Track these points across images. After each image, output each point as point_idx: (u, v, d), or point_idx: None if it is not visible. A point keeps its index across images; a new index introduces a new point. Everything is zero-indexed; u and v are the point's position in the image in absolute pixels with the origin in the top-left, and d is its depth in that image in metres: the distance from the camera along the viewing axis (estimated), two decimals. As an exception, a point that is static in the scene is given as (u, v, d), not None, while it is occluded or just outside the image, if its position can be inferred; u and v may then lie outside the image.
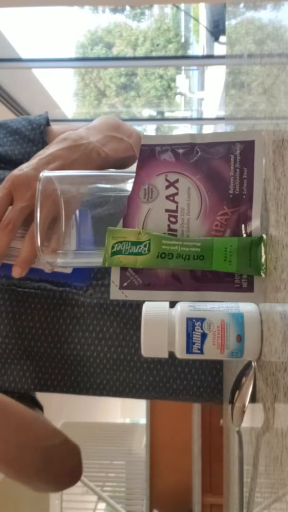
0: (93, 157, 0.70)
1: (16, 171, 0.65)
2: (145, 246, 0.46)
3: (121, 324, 0.79)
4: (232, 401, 0.49)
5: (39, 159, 0.67)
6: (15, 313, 0.78)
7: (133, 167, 0.48)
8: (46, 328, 0.79)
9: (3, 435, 0.70)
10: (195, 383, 0.82)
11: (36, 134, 0.87)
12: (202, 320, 0.44)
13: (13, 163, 0.85)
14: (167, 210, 0.46)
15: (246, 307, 0.45)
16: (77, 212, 0.57)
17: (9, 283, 0.78)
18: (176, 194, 0.46)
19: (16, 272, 0.63)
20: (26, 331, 0.78)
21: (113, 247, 0.46)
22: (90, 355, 0.79)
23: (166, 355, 0.46)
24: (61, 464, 0.77)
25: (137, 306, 0.79)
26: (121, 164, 0.80)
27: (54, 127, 0.90)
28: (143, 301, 0.47)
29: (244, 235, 0.45)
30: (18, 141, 0.87)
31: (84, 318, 0.79)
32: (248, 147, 0.45)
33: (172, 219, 0.46)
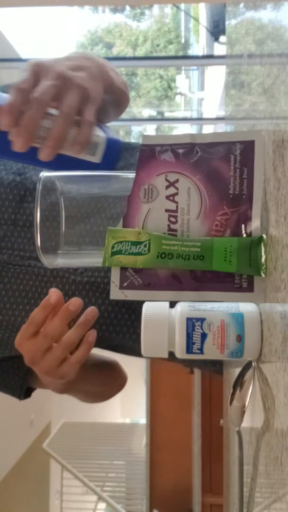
0: (103, 68, 0.72)
1: (37, 61, 0.65)
2: (145, 246, 0.46)
3: (113, 302, 0.79)
4: (232, 401, 0.49)
5: (57, 59, 0.67)
6: (8, 290, 0.78)
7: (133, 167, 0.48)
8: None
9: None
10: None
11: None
12: (202, 320, 0.44)
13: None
14: (167, 210, 0.46)
15: (246, 307, 0.45)
16: (77, 211, 0.57)
17: None
18: (176, 194, 0.46)
19: (45, 154, 0.61)
20: (19, 307, 0.78)
21: (113, 247, 0.46)
22: None
23: (166, 355, 0.46)
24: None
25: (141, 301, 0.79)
26: (117, 100, 0.79)
27: None
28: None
29: (244, 235, 0.45)
30: None
31: (75, 295, 0.78)
32: (248, 147, 0.45)
33: (172, 219, 0.46)
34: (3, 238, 0.79)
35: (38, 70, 0.62)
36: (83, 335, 0.69)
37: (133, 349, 0.84)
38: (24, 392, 0.87)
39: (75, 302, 0.67)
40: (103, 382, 0.90)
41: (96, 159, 0.64)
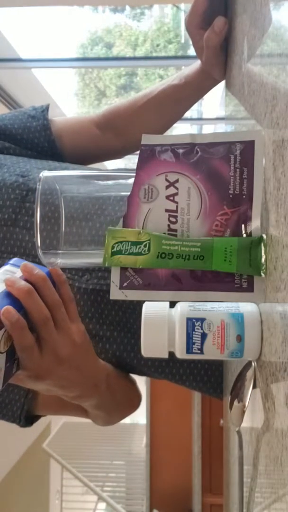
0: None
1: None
2: (145, 246, 0.46)
3: (120, 313, 0.78)
4: (232, 401, 0.49)
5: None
6: None
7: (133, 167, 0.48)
8: None
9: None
10: (199, 370, 0.81)
11: (38, 112, 0.91)
12: (202, 320, 0.44)
13: (13, 137, 0.89)
14: (167, 210, 0.46)
15: (246, 307, 0.45)
16: (77, 211, 0.57)
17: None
18: (176, 194, 0.46)
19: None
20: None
21: (113, 247, 0.46)
22: (91, 338, 0.77)
23: (166, 355, 0.46)
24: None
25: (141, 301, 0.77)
26: None
27: (55, 118, 0.93)
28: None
29: (244, 235, 0.45)
30: (18, 116, 0.90)
31: (81, 304, 0.76)
32: (248, 147, 0.45)
33: (172, 219, 0.46)
34: (2, 240, 0.76)
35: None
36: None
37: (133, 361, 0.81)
38: (25, 418, 0.80)
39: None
40: (123, 389, 0.82)
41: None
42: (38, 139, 0.90)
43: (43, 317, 0.58)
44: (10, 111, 0.93)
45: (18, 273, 0.59)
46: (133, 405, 0.88)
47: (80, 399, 0.70)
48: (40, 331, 0.59)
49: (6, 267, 0.60)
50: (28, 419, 0.82)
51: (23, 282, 0.57)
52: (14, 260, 0.61)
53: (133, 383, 0.87)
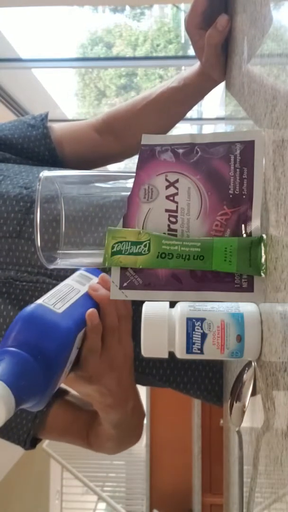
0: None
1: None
2: (145, 246, 0.46)
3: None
4: (232, 401, 0.49)
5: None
6: (15, 305, 0.76)
7: (133, 167, 0.48)
8: None
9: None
10: (203, 379, 0.82)
11: (37, 120, 0.92)
12: (202, 320, 0.44)
13: (14, 147, 0.89)
14: (167, 210, 0.46)
15: (246, 307, 0.45)
16: (77, 211, 0.57)
17: (5, 276, 0.76)
18: (176, 194, 0.46)
19: None
20: None
21: (113, 247, 0.46)
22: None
23: (166, 355, 0.46)
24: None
25: (141, 301, 0.77)
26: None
27: (54, 124, 0.94)
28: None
29: (244, 235, 0.45)
30: (18, 126, 0.91)
31: None
32: (248, 147, 0.45)
33: (172, 219, 0.46)
34: (8, 252, 0.77)
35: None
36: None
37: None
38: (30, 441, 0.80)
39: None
40: (138, 416, 0.84)
41: None
42: (38, 148, 0.91)
43: (113, 326, 0.62)
44: (10, 121, 0.93)
45: (95, 279, 0.62)
46: (138, 435, 0.90)
47: (110, 409, 0.71)
48: (106, 339, 0.62)
49: (82, 271, 0.63)
50: (32, 441, 0.82)
51: (105, 290, 0.61)
52: (84, 267, 0.65)
53: (144, 416, 0.88)
